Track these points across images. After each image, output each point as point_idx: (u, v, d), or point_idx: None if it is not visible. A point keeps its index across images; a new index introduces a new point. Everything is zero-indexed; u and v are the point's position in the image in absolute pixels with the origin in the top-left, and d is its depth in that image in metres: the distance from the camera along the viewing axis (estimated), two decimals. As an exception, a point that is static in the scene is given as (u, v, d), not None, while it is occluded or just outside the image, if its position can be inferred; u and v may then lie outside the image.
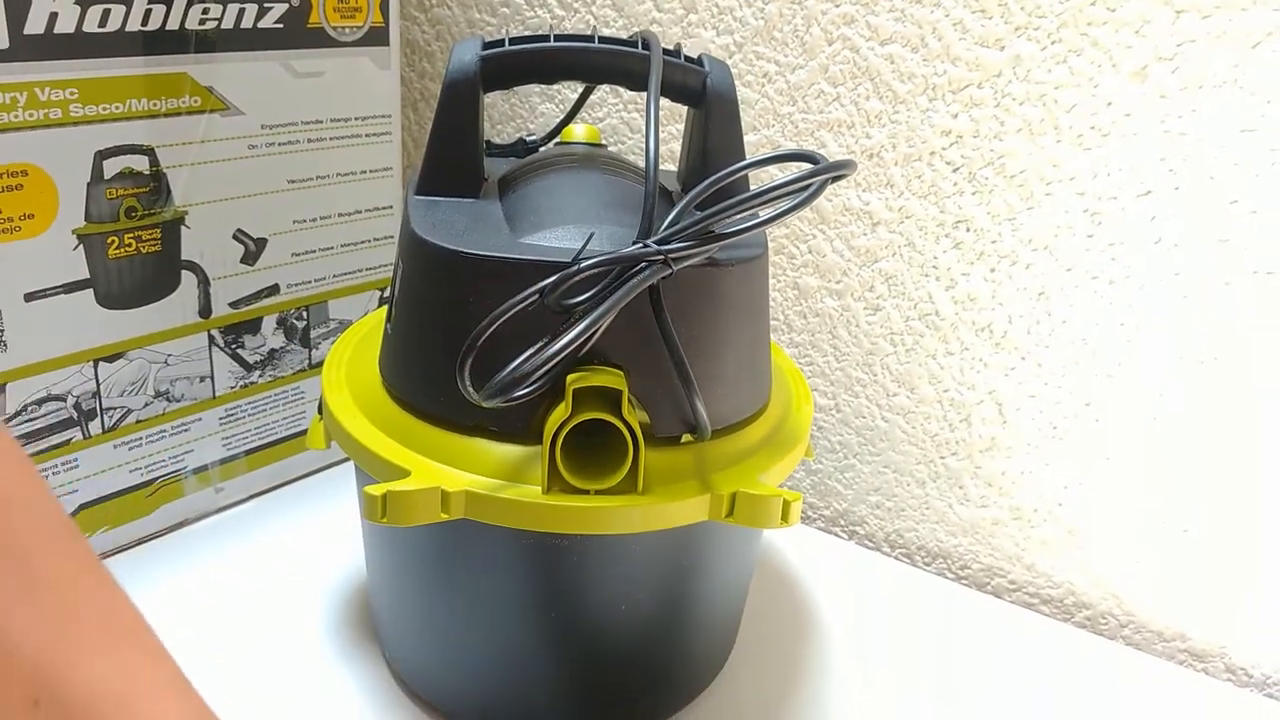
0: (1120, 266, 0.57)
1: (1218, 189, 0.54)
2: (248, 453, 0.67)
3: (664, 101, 0.70)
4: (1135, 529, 0.61)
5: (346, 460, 0.73)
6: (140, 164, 0.56)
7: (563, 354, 0.38)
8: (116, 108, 0.54)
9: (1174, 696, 0.57)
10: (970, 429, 0.65)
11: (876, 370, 0.68)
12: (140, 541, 0.63)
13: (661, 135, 0.71)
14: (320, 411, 0.50)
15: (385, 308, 0.51)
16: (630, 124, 0.74)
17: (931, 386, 0.66)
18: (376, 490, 0.40)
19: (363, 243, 0.69)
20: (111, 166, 0.55)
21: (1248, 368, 0.56)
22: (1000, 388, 0.63)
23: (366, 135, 0.67)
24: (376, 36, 0.65)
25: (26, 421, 0.55)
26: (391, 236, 0.71)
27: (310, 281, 0.67)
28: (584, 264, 0.39)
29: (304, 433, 0.70)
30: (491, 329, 0.40)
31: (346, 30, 0.63)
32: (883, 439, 0.69)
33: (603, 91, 0.74)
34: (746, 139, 0.68)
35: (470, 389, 0.40)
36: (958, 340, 0.64)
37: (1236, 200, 0.53)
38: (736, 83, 0.67)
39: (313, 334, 0.68)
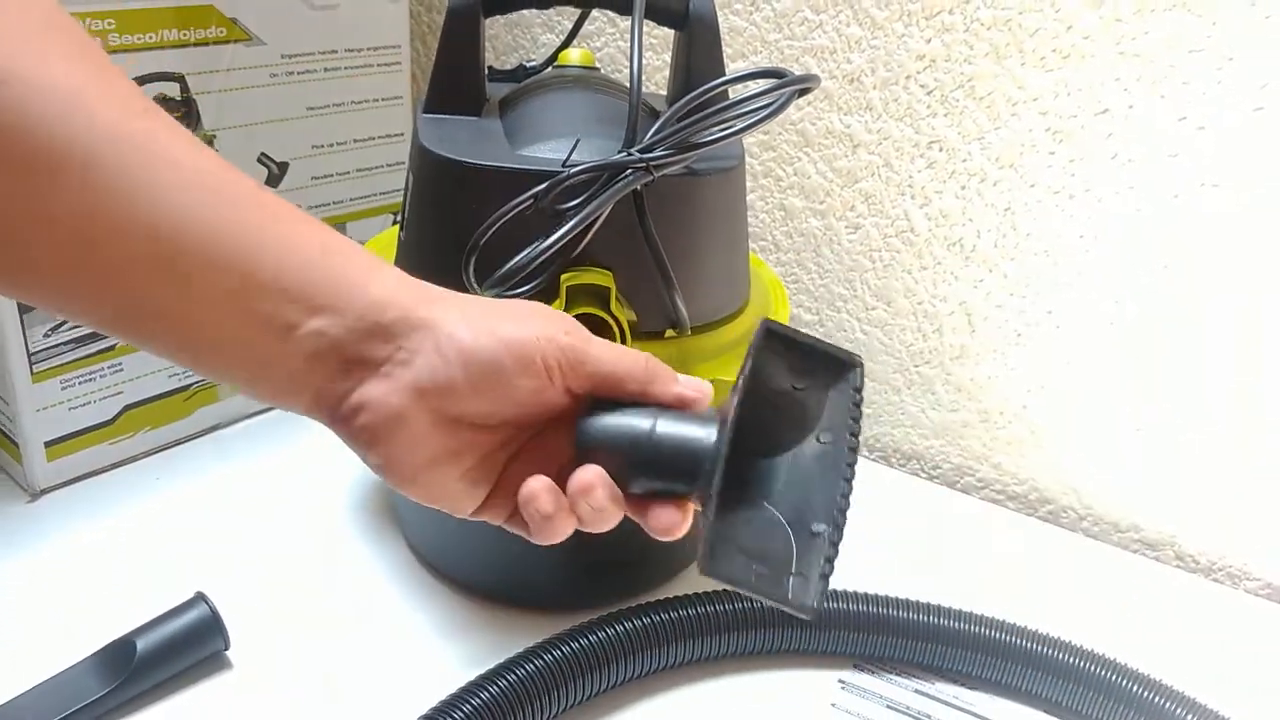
0: (1079, 182, 0.62)
1: (1168, 107, 0.58)
2: (275, 362, 0.73)
3: (660, 31, 0.74)
4: (1093, 429, 0.66)
5: (365, 372, 0.78)
6: (172, 90, 0.61)
7: (554, 248, 0.43)
8: (150, 37, 0.59)
9: (1129, 582, 0.63)
10: (942, 338, 0.70)
11: (857, 286, 0.72)
12: (179, 442, 0.69)
13: (656, 64, 0.75)
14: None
15: (396, 228, 0.56)
16: (626, 52, 0.78)
17: (907, 300, 0.71)
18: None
19: (376, 168, 0.74)
20: (147, 93, 0.60)
21: (1196, 275, 0.60)
22: (970, 299, 0.68)
23: (378, 65, 0.71)
24: (387, -30, 0.69)
25: (73, 328, 0.61)
26: (403, 163, 0.75)
27: (329, 204, 0.72)
28: (574, 170, 0.44)
29: (326, 345, 0.75)
30: (492, 230, 0.45)
31: (358, -36, 0.68)
32: (862, 350, 0.74)
33: (600, 22, 0.78)
34: (736, 66, 0.72)
35: (474, 283, 0.45)
36: (931, 255, 0.69)
37: (1185, 117, 0.57)
38: (725, 11, 0.71)
39: (332, 253, 0.74)
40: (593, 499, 0.35)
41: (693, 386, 0.37)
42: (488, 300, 0.38)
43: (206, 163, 0.33)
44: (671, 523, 0.36)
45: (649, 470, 0.36)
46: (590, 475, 0.35)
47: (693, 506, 0.36)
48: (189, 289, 0.32)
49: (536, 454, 0.38)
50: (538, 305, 0.38)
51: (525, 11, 0.79)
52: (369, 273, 0.35)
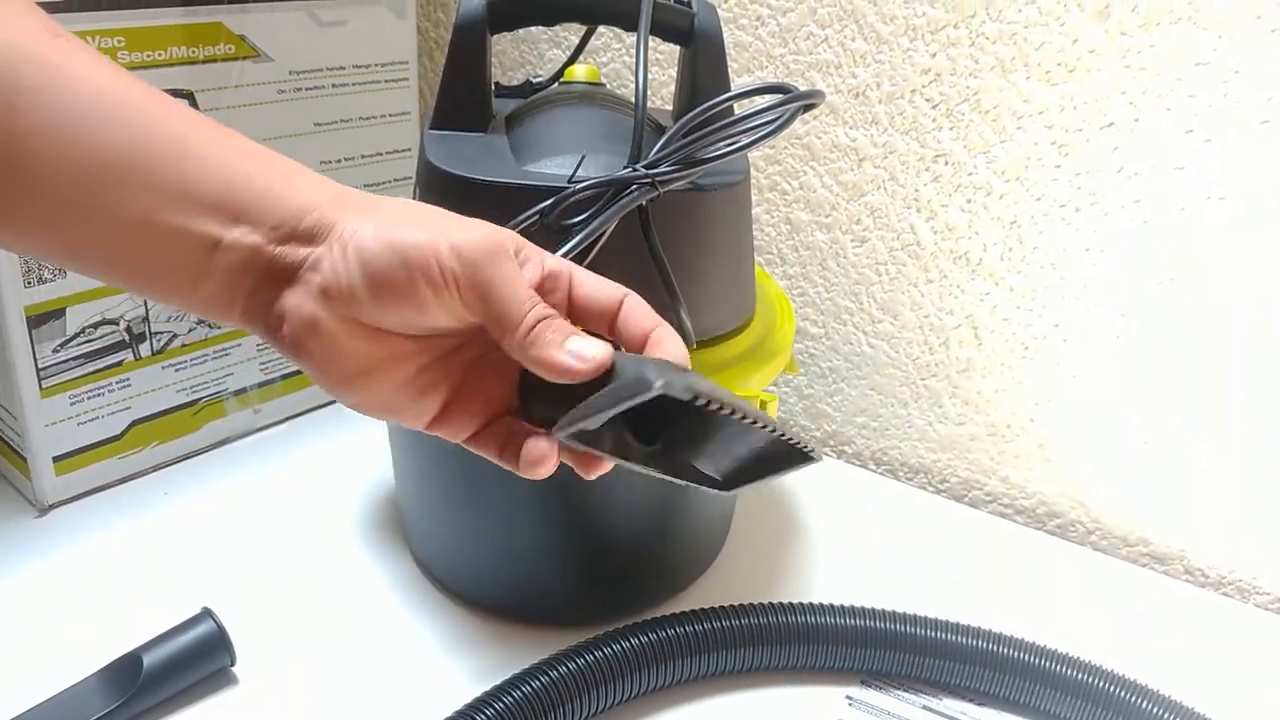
0: (1085, 195, 0.62)
1: (1174, 120, 0.58)
2: (284, 378, 0.73)
3: (665, 47, 0.74)
4: (1101, 442, 0.66)
5: (372, 386, 0.78)
6: (181, 107, 0.61)
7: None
8: (159, 54, 0.59)
9: (1137, 596, 0.62)
10: (949, 352, 0.70)
11: (863, 299, 0.72)
12: (187, 456, 0.69)
13: (662, 79, 0.75)
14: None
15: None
16: (631, 68, 0.78)
17: (913, 313, 0.70)
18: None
19: (384, 183, 0.74)
20: (155, 109, 0.60)
21: (1203, 288, 0.60)
22: (976, 312, 0.68)
23: (385, 81, 0.72)
24: (394, -13, 0.70)
25: (85, 343, 0.61)
26: (410, 178, 0.76)
27: (336, 219, 0.72)
28: (580, 186, 0.44)
29: (333, 360, 0.76)
30: (498, 245, 0.45)
31: (366, -19, 0.68)
32: (868, 363, 0.74)
33: (606, 38, 0.79)
34: (741, 80, 0.72)
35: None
36: (937, 269, 0.68)
37: (1191, 130, 0.57)
38: (730, 26, 0.71)
39: (339, 268, 0.74)
40: (539, 473, 0.36)
41: (577, 355, 0.34)
42: (416, 204, 0.37)
43: (123, 84, 0.33)
44: (541, 456, 0.36)
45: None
46: (544, 449, 0.36)
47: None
48: (110, 209, 0.32)
49: (499, 365, 0.37)
50: (473, 221, 0.36)
51: (531, 28, 0.79)
52: (288, 179, 0.35)
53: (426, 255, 0.33)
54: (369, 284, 0.33)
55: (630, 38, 0.78)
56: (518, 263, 0.36)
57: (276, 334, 0.35)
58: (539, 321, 0.34)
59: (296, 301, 0.34)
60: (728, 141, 0.46)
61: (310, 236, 0.34)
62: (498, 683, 0.47)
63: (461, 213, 0.48)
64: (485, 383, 0.38)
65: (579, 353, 0.34)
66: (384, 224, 0.34)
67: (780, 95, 0.45)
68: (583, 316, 0.37)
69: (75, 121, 0.31)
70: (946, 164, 0.66)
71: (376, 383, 0.36)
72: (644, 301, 0.38)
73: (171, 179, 0.33)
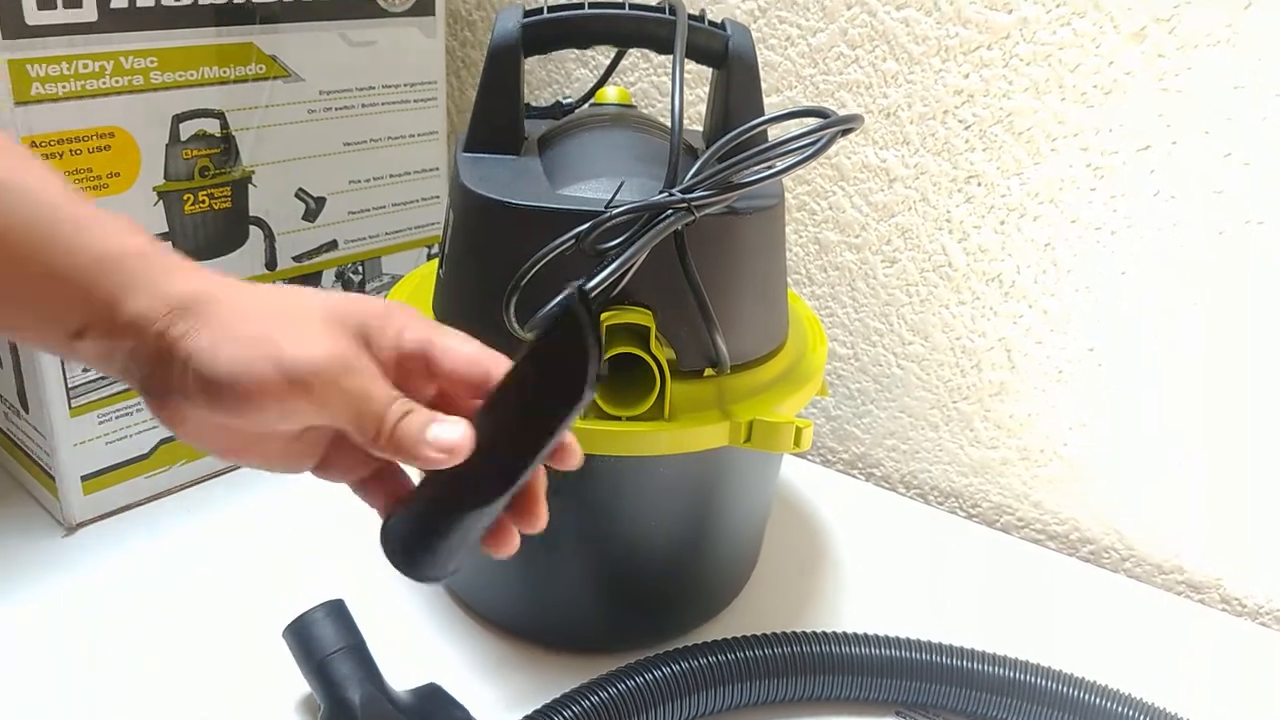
0: (1121, 218, 0.61)
1: (1212, 143, 0.57)
2: (308, 396, 0.73)
3: (691, 65, 0.74)
4: (1136, 468, 0.65)
5: (398, 405, 0.78)
6: (212, 127, 0.61)
7: (596, 290, 0.43)
8: (191, 75, 0.59)
9: (1173, 625, 0.61)
10: (980, 374, 0.69)
11: (893, 320, 0.72)
12: (214, 475, 0.69)
13: (689, 98, 0.75)
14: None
15: (434, 261, 0.56)
16: (660, 87, 0.78)
17: (944, 335, 0.70)
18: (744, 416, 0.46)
19: (412, 202, 0.74)
20: (187, 129, 0.60)
21: (1242, 312, 0.59)
22: (1009, 335, 0.67)
23: (414, 101, 0.72)
24: (423, 7, 0.70)
25: (114, 362, 0.61)
26: (438, 197, 0.76)
27: (365, 238, 0.72)
28: (615, 211, 0.44)
29: (359, 379, 0.76)
30: (534, 270, 0.45)
31: (396, 2, 0.68)
32: (898, 385, 0.73)
33: (634, 57, 0.78)
34: (770, 100, 0.72)
35: (515, 323, 0.45)
36: (969, 290, 0.68)
37: (1230, 154, 0.57)
38: (760, 46, 0.71)
39: (368, 287, 0.74)
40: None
41: (439, 445, 0.35)
42: (260, 300, 0.36)
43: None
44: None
45: None
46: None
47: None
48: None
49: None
50: (316, 323, 0.35)
51: (560, 47, 0.79)
52: (133, 287, 0.34)
53: (268, 384, 0.33)
54: (212, 408, 0.34)
55: (659, 58, 0.78)
56: (370, 356, 0.36)
57: (149, 407, 0.36)
58: (398, 420, 0.35)
59: (157, 401, 0.35)
60: (764, 166, 0.45)
61: (154, 357, 0.34)
62: (528, 712, 0.46)
63: (497, 237, 0.48)
64: (349, 448, 0.38)
65: (441, 442, 0.35)
66: (220, 343, 0.34)
67: (818, 119, 0.45)
68: (452, 387, 0.38)
69: None
70: (979, 185, 0.65)
71: (257, 454, 0.37)
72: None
73: (32, 268, 0.33)
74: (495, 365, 0.37)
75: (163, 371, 0.34)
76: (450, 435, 0.35)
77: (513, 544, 0.38)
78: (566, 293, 0.34)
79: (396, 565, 0.38)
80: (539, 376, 0.36)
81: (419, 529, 0.38)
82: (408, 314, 0.38)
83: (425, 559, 0.38)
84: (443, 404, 0.37)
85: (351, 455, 0.39)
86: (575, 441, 0.37)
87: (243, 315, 0.35)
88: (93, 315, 0.34)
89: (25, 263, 0.33)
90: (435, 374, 0.37)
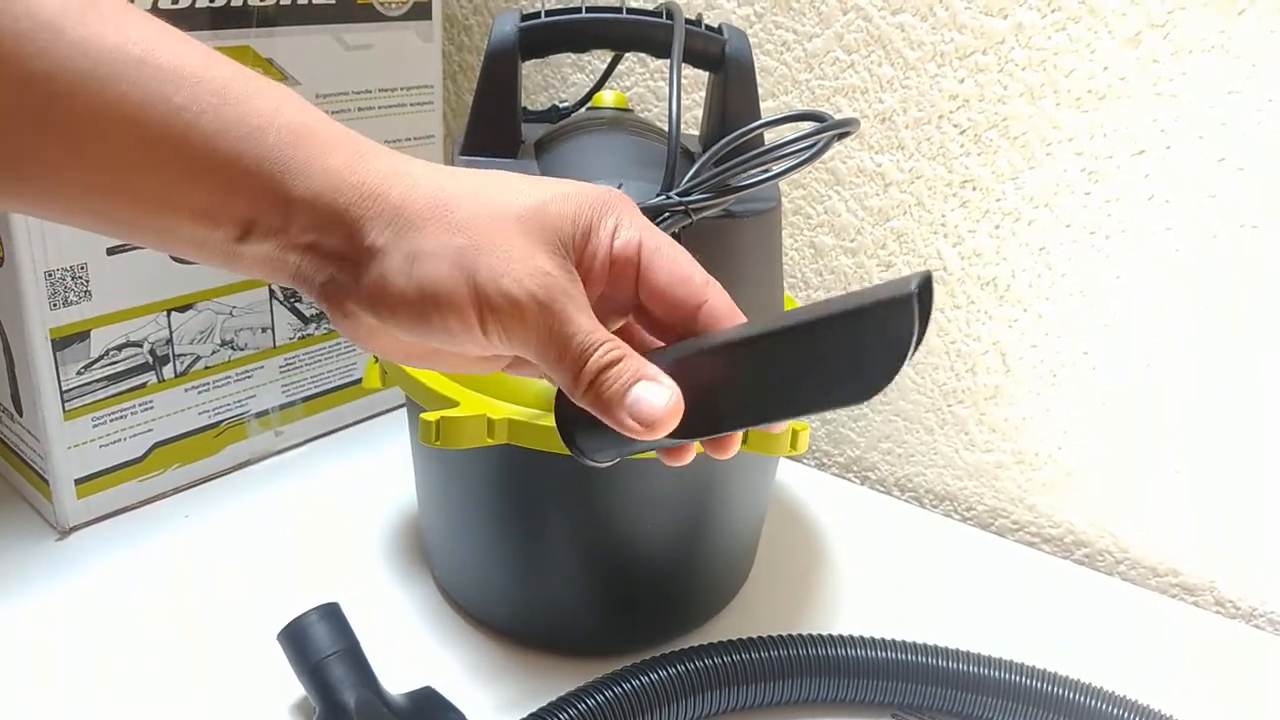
0: (1116, 222, 0.61)
1: (1206, 148, 0.57)
2: (305, 399, 0.73)
3: (687, 69, 0.74)
4: (1130, 471, 0.65)
5: (395, 409, 0.78)
6: (208, 130, 0.61)
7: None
8: (188, 78, 0.59)
9: (1167, 628, 0.61)
10: (976, 378, 0.69)
11: (888, 324, 0.72)
12: (209, 478, 0.69)
13: (684, 102, 0.75)
14: (375, 355, 0.56)
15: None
16: (656, 92, 0.78)
17: (939, 338, 0.70)
18: (432, 416, 0.45)
19: (407, 205, 0.74)
20: (183, 132, 0.60)
21: (1235, 316, 0.59)
22: (1004, 338, 0.67)
23: (411, 104, 0.72)
24: (420, 11, 0.70)
25: (108, 365, 0.61)
26: (434, 199, 0.76)
27: (359, 241, 0.72)
28: (613, 214, 0.44)
29: (356, 382, 0.76)
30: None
31: (393, 5, 0.68)
32: (893, 389, 0.73)
33: (630, 62, 0.79)
34: (766, 105, 0.72)
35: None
36: (964, 294, 0.68)
37: (1224, 158, 0.57)
38: (756, 51, 0.71)
39: (362, 290, 0.74)
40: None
41: (639, 416, 0.31)
42: (459, 199, 0.32)
43: (158, 37, 0.29)
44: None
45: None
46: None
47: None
48: (136, 181, 0.30)
49: None
50: (531, 238, 0.31)
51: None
52: (319, 174, 0.31)
53: (462, 305, 0.31)
54: (398, 324, 0.32)
55: (655, 62, 0.78)
56: (574, 290, 0.32)
57: (326, 311, 0.33)
58: (599, 372, 0.31)
59: (336, 300, 0.32)
60: (761, 169, 0.45)
61: (335, 257, 0.32)
62: (523, 716, 0.46)
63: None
64: None
65: (641, 414, 0.31)
66: (416, 254, 0.31)
67: (815, 123, 0.45)
68: (654, 303, 0.34)
69: (99, 72, 0.28)
70: (974, 190, 0.65)
71: (429, 364, 0.35)
72: (727, 299, 0.34)
73: (198, 161, 0.30)
74: (706, 291, 0.33)
75: (347, 276, 0.31)
76: (656, 404, 0.31)
77: (688, 458, 0.35)
78: (920, 275, 0.28)
79: (561, 434, 0.36)
80: (831, 348, 0.30)
81: (591, 418, 0.33)
82: (623, 207, 0.34)
83: (587, 443, 0.36)
84: (640, 318, 0.35)
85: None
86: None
87: (438, 218, 0.31)
88: (257, 201, 0.30)
89: (168, 138, 0.29)
90: (640, 283, 0.33)
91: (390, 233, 0.31)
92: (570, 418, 0.36)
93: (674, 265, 0.33)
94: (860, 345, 0.29)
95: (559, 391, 0.35)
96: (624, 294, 0.34)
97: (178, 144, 0.29)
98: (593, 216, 0.33)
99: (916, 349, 0.28)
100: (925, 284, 0.28)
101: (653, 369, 0.32)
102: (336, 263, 0.32)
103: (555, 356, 0.31)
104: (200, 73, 0.30)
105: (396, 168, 0.32)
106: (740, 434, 0.35)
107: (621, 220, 0.33)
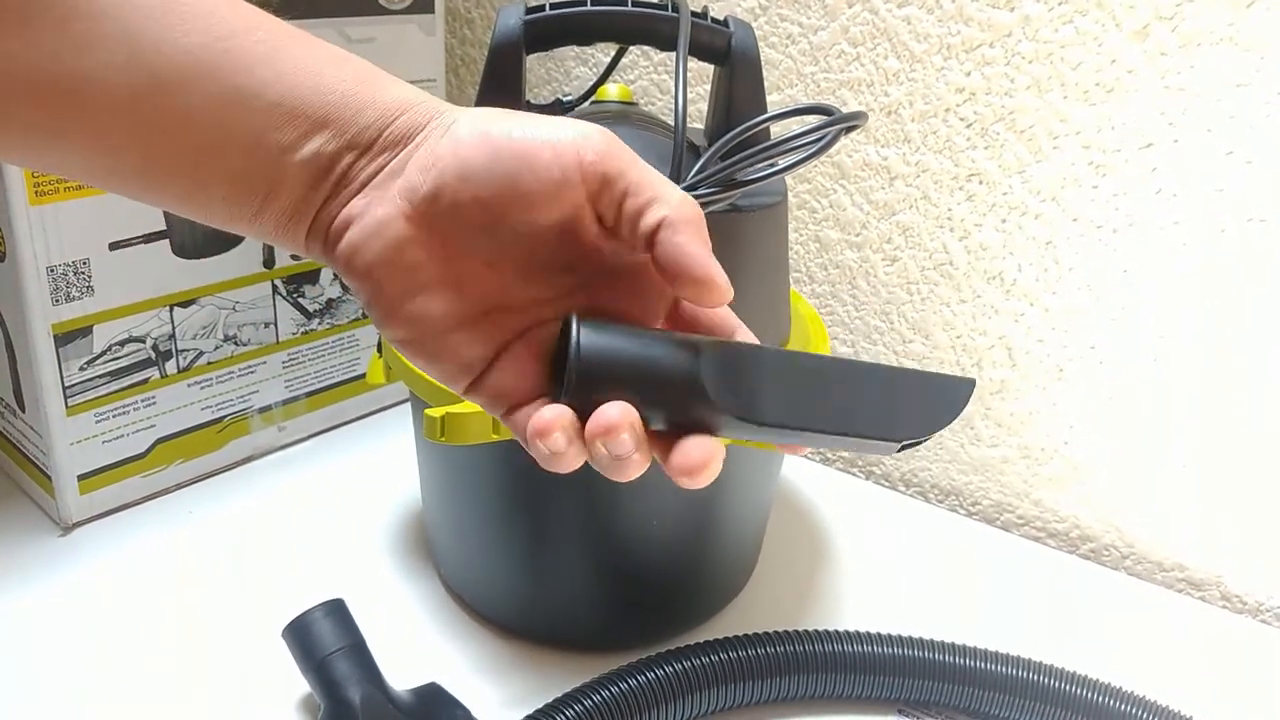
0: (1123, 216, 0.61)
1: (1214, 141, 0.57)
2: (308, 395, 0.72)
3: (691, 63, 0.74)
4: (1137, 465, 0.65)
5: (398, 404, 0.78)
6: (211, 124, 0.61)
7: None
8: (190, 72, 0.59)
9: (1173, 623, 0.61)
10: (982, 373, 0.69)
11: (894, 319, 0.72)
12: (212, 474, 0.69)
13: (689, 95, 0.75)
14: (380, 349, 0.55)
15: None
16: (660, 85, 0.78)
17: (945, 333, 0.70)
18: (437, 412, 0.45)
19: (410, 199, 0.74)
20: (185, 126, 0.60)
21: (1243, 310, 0.59)
22: (1010, 333, 0.67)
23: (413, 98, 0.71)
24: (423, 4, 0.69)
25: (111, 360, 0.61)
26: (437, 194, 0.75)
27: (362, 235, 0.72)
28: (619, 208, 0.44)
29: (359, 377, 0.75)
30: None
31: (395, -1, 0.68)
32: (899, 383, 0.73)
33: (634, 55, 0.78)
34: (771, 98, 0.72)
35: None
36: (970, 289, 0.68)
37: (1232, 151, 0.57)
38: (761, 44, 0.70)
39: (365, 285, 0.73)
40: (617, 446, 0.30)
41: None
42: (515, 112, 0.32)
43: None
44: (706, 456, 0.30)
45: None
46: (615, 415, 0.30)
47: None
48: (175, 119, 0.29)
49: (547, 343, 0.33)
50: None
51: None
52: (381, 88, 0.31)
53: (562, 146, 0.30)
54: (476, 172, 0.30)
55: (659, 55, 0.77)
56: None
57: (337, 248, 0.32)
58: (691, 213, 0.31)
59: (365, 203, 0.31)
60: (767, 163, 0.45)
61: (398, 140, 0.31)
62: (529, 712, 0.46)
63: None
64: (527, 359, 0.33)
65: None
66: (489, 117, 0.31)
67: (822, 117, 0.45)
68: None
69: (137, 23, 0.29)
70: (981, 183, 0.65)
71: (433, 307, 0.32)
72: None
73: (250, 86, 0.30)
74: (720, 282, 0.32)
75: (390, 175, 0.31)
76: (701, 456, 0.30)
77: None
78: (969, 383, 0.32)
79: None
80: (899, 393, 0.33)
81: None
82: (639, 170, 0.32)
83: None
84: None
85: (521, 368, 0.33)
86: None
87: (510, 114, 0.32)
88: (321, 118, 0.30)
89: (236, 80, 0.30)
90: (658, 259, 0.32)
91: (462, 112, 0.31)
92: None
93: (693, 254, 0.32)
94: (919, 400, 0.32)
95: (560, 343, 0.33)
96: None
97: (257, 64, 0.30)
98: (620, 171, 0.32)
99: (927, 439, 0.32)
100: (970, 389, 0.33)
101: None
102: (399, 147, 0.31)
103: (643, 175, 0.31)
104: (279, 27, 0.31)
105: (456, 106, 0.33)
106: (718, 461, 0.32)
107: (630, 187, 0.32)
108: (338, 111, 0.31)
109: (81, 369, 0.60)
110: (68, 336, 0.58)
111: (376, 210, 0.31)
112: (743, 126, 0.47)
